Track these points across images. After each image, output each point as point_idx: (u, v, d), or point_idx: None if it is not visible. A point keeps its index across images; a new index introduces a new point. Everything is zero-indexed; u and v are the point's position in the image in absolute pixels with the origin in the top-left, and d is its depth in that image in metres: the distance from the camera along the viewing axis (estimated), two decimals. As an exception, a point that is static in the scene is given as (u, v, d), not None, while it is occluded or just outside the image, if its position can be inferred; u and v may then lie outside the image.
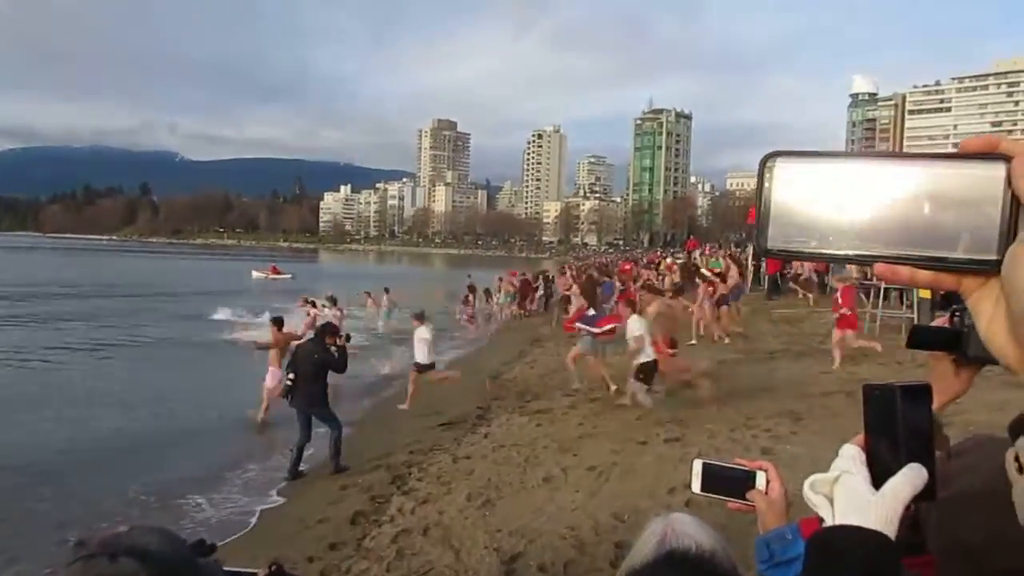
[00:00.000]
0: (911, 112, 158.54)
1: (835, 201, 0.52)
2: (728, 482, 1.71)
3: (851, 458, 0.78)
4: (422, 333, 13.02)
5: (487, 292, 29.70)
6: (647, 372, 10.19)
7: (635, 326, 10.46)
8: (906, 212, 0.51)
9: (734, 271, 21.07)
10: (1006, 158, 0.48)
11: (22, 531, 7.27)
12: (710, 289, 17.09)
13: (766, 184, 0.54)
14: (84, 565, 1.17)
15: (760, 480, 1.67)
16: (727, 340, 15.79)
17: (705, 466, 1.73)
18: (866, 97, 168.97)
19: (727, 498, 1.71)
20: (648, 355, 10.19)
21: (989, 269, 0.49)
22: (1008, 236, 0.48)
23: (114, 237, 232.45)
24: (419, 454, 9.14)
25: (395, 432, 10.70)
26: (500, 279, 30.24)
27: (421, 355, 12.96)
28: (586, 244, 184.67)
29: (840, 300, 12.41)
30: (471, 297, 27.56)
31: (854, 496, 0.76)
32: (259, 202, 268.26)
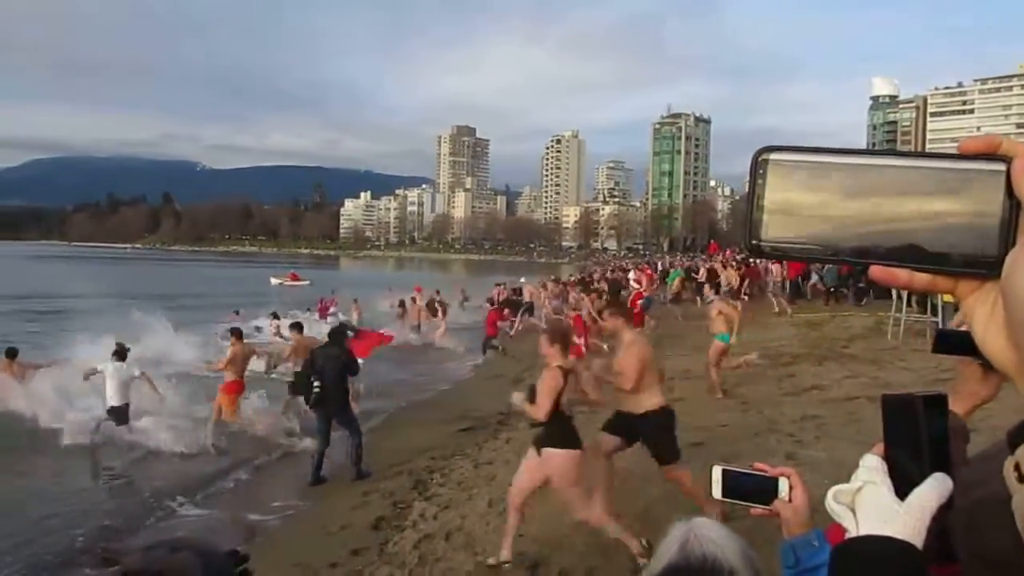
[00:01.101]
0: (933, 114, 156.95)
1: (830, 199, 0.51)
2: (749, 488, 1.70)
3: (874, 468, 0.77)
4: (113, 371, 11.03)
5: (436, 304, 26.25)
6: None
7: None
8: (903, 212, 0.50)
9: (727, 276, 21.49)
10: (1006, 159, 0.47)
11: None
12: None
13: (759, 180, 0.53)
14: (144, 555, 1.24)
15: (783, 487, 1.66)
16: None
17: (725, 472, 1.73)
18: (887, 100, 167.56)
19: (749, 504, 1.70)
20: None
21: (987, 273, 0.48)
22: (1007, 239, 0.47)
23: (137, 245, 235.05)
24: (440, 459, 9.16)
25: (416, 438, 10.72)
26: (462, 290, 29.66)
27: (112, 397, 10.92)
28: (606, 249, 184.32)
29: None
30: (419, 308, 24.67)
31: (879, 506, 0.75)
32: (280, 210, 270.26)
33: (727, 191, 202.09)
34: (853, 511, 0.77)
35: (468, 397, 13.17)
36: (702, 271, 28.88)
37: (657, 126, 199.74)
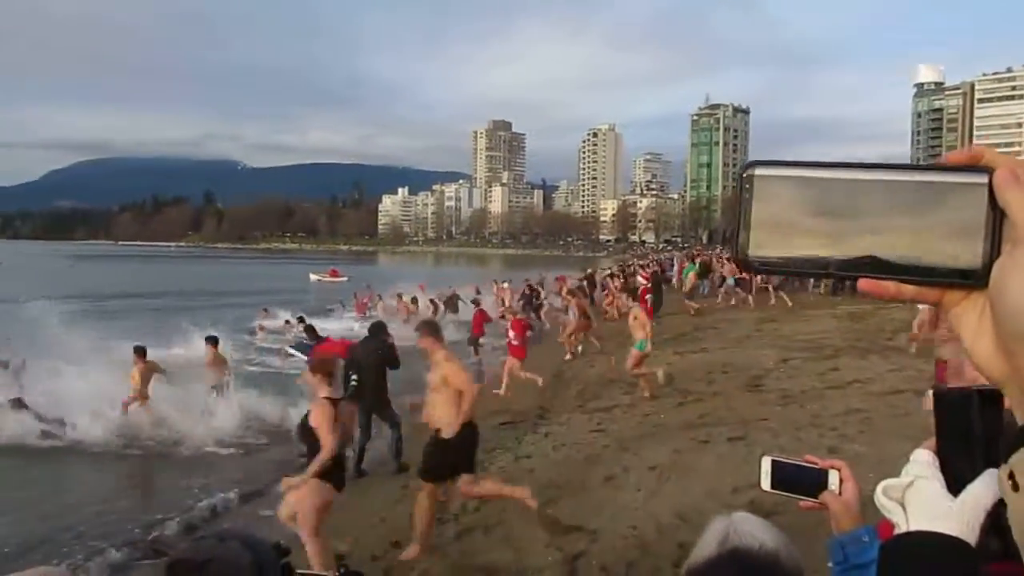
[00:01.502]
0: (981, 100, 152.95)
1: (817, 212, 0.51)
2: (799, 480, 1.68)
3: (926, 463, 0.76)
4: None
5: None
6: None
7: None
8: (890, 225, 0.50)
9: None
10: (988, 170, 0.48)
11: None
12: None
13: (746, 195, 0.53)
14: (193, 546, 1.29)
15: (833, 479, 1.64)
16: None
17: (775, 463, 1.70)
18: (932, 86, 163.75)
19: (798, 496, 1.68)
20: None
21: (972, 283, 0.49)
22: (991, 249, 0.48)
23: (181, 244, 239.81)
24: (480, 453, 9.16)
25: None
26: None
27: None
28: (643, 242, 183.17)
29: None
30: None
31: (931, 502, 0.73)
32: (319, 207, 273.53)
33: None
34: (903, 506, 0.75)
35: (506, 391, 13.19)
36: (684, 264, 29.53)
37: (695, 117, 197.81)
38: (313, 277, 52.86)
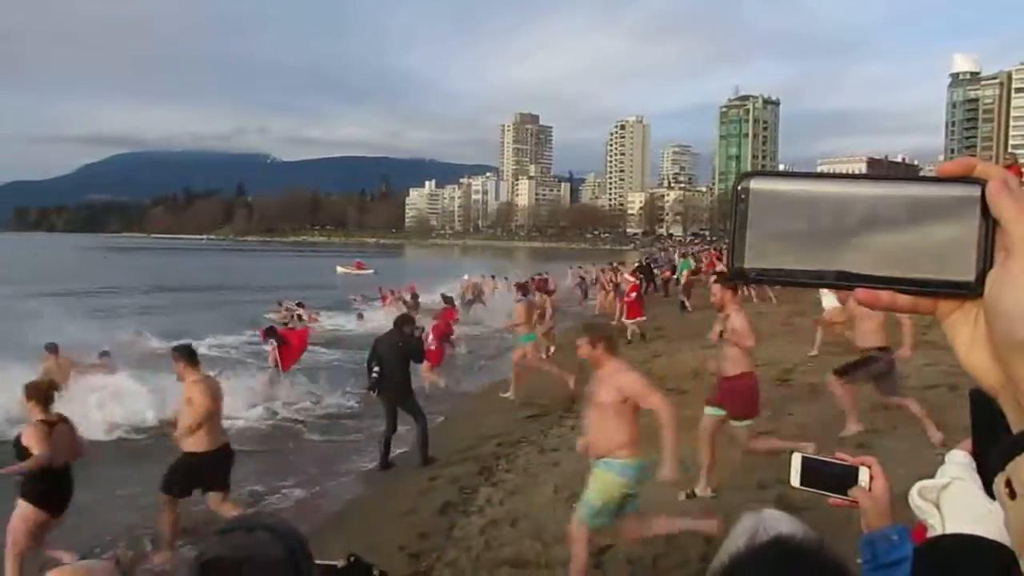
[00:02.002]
0: (1018, 90, 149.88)
1: (813, 223, 0.52)
2: (828, 477, 1.67)
3: (963, 465, 0.74)
4: None
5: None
6: None
7: None
8: (884, 235, 0.51)
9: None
10: (981, 182, 0.49)
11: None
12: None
13: (740, 205, 0.54)
14: (220, 539, 1.25)
15: (863, 476, 1.62)
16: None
17: (804, 460, 1.69)
18: (967, 76, 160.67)
19: (827, 493, 1.66)
20: None
21: (966, 292, 0.50)
22: (984, 259, 0.49)
23: (212, 236, 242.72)
24: (506, 446, 9.21)
25: (481, 424, 10.81)
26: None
27: None
28: (671, 235, 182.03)
29: None
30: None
31: (968, 505, 0.71)
32: (347, 200, 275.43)
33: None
34: (939, 508, 0.73)
35: (533, 384, 13.19)
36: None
37: (724, 109, 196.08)
38: (340, 270, 53.63)
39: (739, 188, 0.54)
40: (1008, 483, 0.47)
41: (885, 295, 0.52)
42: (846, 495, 1.63)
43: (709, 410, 6.87)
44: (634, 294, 18.95)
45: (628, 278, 23.22)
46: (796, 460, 1.70)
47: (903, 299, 0.52)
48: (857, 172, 0.54)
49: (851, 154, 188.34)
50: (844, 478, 1.64)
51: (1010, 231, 0.47)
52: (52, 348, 12.73)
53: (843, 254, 0.51)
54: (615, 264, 39.59)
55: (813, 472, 1.68)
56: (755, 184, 0.54)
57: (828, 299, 12.42)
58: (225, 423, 10.93)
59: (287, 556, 1.24)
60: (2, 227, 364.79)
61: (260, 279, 45.58)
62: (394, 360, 9.43)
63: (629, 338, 17.77)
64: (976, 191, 0.49)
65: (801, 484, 1.68)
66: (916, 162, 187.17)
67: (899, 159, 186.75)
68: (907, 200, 0.51)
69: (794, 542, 1.38)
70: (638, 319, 18.30)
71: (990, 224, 0.48)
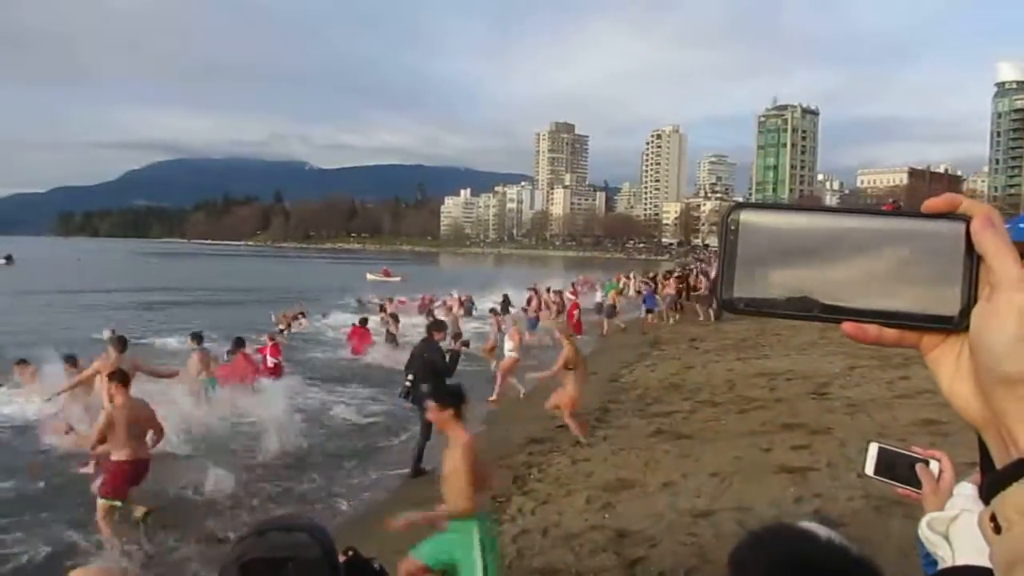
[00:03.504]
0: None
1: (800, 256, 0.52)
2: (901, 468, 1.68)
3: (971, 497, 0.74)
4: None
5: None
6: None
7: None
8: (871, 269, 0.51)
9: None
10: (965, 218, 0.50)
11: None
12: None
13: (730, 236, 0.54)
14: (259, 539, 1.26)
15: (934, 468, 1.62)
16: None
17: (881, 450, 1.71)
18: (1014, 85, 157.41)
19: (897, 484, 1.67)
20: None
21: (951, 327, 0.50)
22: (969, 294, 0.49)
23: (250, 242, 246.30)
24: (538, 455, 9.20)
25: (513, 432, 10.80)
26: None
27: None
28: (707, 245, 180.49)
29: None
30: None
31: (978, 537, 0.64)
32: (383, 207, 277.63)
33: (836, 185, 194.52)
34: (948, 540, 0.74)
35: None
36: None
37: (762, 119, 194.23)
38: (370, 277, 54.58)
39: (728, 220, 0.54)
40: (993, 518, 0.47)
41: (872, 329, 0.52)
42: (916, 488, 1.63)
43: None
44: (576, 312, 19.05)
45: (570, 297, 23.39)
46: (873, 448, 1.72)
47: (889, 333, 0.52)
48: (851, 205, 0.55)
49: (891, 164, 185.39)
50: (915, 469, 1.65)
51: (994, 267, 0.48)
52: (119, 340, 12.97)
53: (830, 287, 0.52)
54: (631, 272, 39.65)
55: (888, 462, 1.70)
56: (745, 216, 0.54)
57: None
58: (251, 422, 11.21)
59: (324, 556, 1.26)
60: (48, 231, 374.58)
61: (294, 283, 46.32)
62: (420, 369, 9.50)
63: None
64: (961, 228, 0.49)
65: (874, 474, 1.70)
66: (959, 172, 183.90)
67: (941, 169, 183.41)
68: (894, 235, 0.51)
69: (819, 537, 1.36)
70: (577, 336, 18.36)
71: (975, 260, 0.49)
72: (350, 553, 1.78)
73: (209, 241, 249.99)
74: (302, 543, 1.24)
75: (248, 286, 45.49)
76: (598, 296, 27.85)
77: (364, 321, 20.68)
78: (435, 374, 9.47)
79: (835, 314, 0.52)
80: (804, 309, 0.52)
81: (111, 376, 7.62)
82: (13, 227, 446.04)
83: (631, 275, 38.19)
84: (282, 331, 22.05)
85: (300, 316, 24.82)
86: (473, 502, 4.78)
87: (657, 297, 26.61)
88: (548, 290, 28.37)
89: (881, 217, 0.52)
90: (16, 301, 32.99)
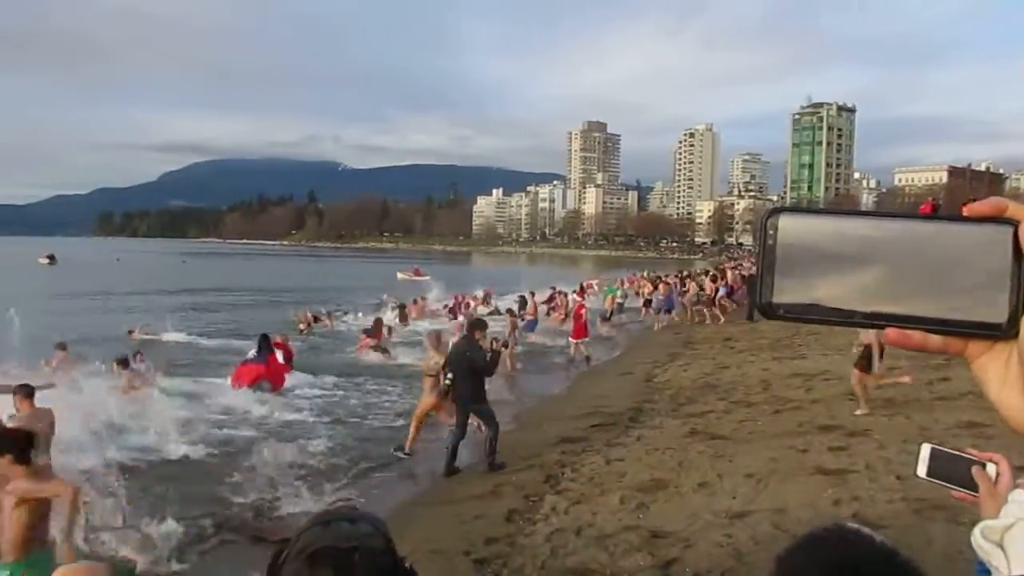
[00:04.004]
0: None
1: (842, 262, 0.51)
2: (956, 470, 1.65)
3: None
4: None
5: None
6: None
7: None
8: (915, 274, 0.50)
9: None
10: (1013, 222, 0.49)
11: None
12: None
13: (769, 241, 0.53)
14: (323, 530, 1.27)
15: (991, 471, 1.59)
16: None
17: (934, 451, 1.68)
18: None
19: (951, 486, 1.64)
20: None
21: (998, 334, 0.50)
22: (1017, 300, 0.48)
23: (284, 242, 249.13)
24: (571, 454, 9.19)
25: (547, 432, 10.80)
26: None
27: None
28: (740, 244, 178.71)
29: None
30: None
31: None
32: (415, 207, 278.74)
33: (872, 183, 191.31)
34: (1003, 549, 0.71)
35: (598, 393, 13.14)
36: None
37: (797, 116, 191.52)
38: (399, 276, 55.35)
39: (767, 224, 0.53)
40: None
41: (916, 335, 0.51)
42: (971, 490, 1.60)
43: None
44: (583, 312, 18.84)
45: (576, 298, 23.50)
46: (925, 450, 1.69)
47: (934, 339, 0.51)
48: (893, 209, 0.57)
49: (931, 163, 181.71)
50: (970, 471, 1.62)
51: None
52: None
53: (872, 293, 0.51)
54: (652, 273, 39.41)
55: (941, 464, 1.67)
56: (784, 220, 0.53)
57: None
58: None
59: (387, 545, 1.28)
60: (89, 232, 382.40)
61: (324, 283, 46.90)
62: (463, 368, 9.44)
63: (573, 356, 18.21)
64: (1008, 232, 0.48)
65: (927, 475, 1.67)
66: (1002, 170, 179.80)
67: (983, 167, 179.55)
68: (938, 239, 0.50)
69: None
70: (583, 339, 18.41)
71: (1023, 265, 0.48)
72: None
73: (244, 241, 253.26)
74: (367, 533, 1.26)
75: (277, 286, 46.13)
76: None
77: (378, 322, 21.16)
78: (474, 373, 9.44)
79: (878, 320, 0.51)
80: (846, 316, 0.52)
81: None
82: (55, 228, 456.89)
83: (642, 275, 37.71)
84: (301, 331, 22.50)
85: (318, 318, 25.20)
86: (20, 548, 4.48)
87: (677, 298, 26.65)
88: (554, 291, 28.31)
89: (924, 221, 0.51)
90: (56, 301, 33.74)
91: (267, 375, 14.12)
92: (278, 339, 15.85)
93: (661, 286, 28.27)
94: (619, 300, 27.39)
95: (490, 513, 7.42)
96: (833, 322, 0.53)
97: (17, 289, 35.30)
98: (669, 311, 25.46)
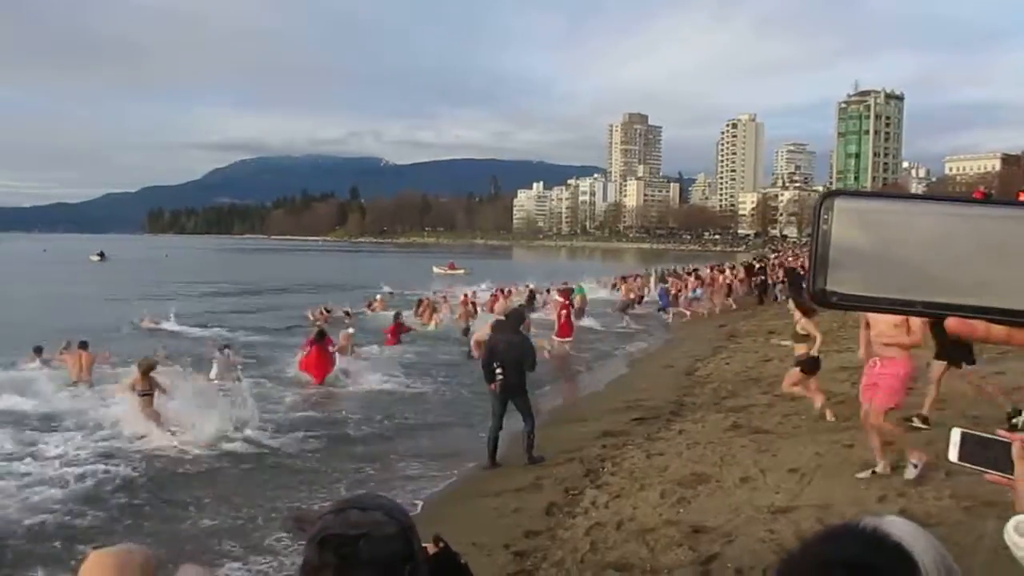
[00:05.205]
0: None
1: (900, 246, 0.49)
2: (989, 452, 1.61)
3: None
4: None
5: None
6: None
7: None
8: (976, 261, 0.48)
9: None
10: None
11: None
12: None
13: (823, 226, 0.51)
14: (335, 517, 1.30)
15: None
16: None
17: (964, 435, 1.65)
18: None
19: (985, 470, 1.61)
20: None
21: None
22: None
23: (328, 238, 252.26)
24: (612, 448, 9.15)
25: (588, 425, 10.77)
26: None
27: None
28: (785, 236, 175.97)
29: None
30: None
31: None
32: (456, 202, 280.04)
33: (922, 173, 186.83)
34: None
35: (639, 387, 13.05)
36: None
37: (843, 105, 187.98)
38: (436, 270, 56.26)
39: (821, 207, 0.51)
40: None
41: (980, 325, 0.49)
42: (1007, 472, 1.56)
43: None
44: (564, 313, 17.95)
45: (557, 298, 22.73)
46: (955, 434, 1.66)
47: (998, 330, 0.49)
48: (955, 193, 0.53)
49: (985, 150, 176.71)
50: (1004, 455, 1.58)
51: None
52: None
53: (933, 281, 0.48)
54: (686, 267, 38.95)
55: (972, 447, 1.64)
56: (840, 203, 0.51)
57: None
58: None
59: (400, 532, 1.30)
60: (138, 229, 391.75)
61: (360, 278, 47.59)
62: (512, 358, 9.19)
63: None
64: None
65: (959, 459, 1.64)
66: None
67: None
68: (1001, 224, 0.48)
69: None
70: (567, 339, 17.66)
71: None
72: (441, 544, 1.80)
73: (288, 237, 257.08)
74: (377, 521, 1.28)
75: (311, 280, 47.08)
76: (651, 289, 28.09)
77: (398, 315, 21.27)
78: (517, 365, 9.24)
79: (938, 310, 0.49)
80: (904, 305, 0.49)
81: None
82: (105, 226, 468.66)
83: (638, 275, 36.13)
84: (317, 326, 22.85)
85: (338, 312, 25.48)
86: None
87: (700, 291, 26.89)
88: (547, 290, 27.57)
89: (988, 206, 0.49)
90: (106, 295, 34.67)
91: (305, 367, 14.34)
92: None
93: (640, 281, 28.53)
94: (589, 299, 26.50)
95: (530, 506, 7.42)
96: (890, 310, 0.51)
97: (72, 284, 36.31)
98: (663, 310, 25.49)
